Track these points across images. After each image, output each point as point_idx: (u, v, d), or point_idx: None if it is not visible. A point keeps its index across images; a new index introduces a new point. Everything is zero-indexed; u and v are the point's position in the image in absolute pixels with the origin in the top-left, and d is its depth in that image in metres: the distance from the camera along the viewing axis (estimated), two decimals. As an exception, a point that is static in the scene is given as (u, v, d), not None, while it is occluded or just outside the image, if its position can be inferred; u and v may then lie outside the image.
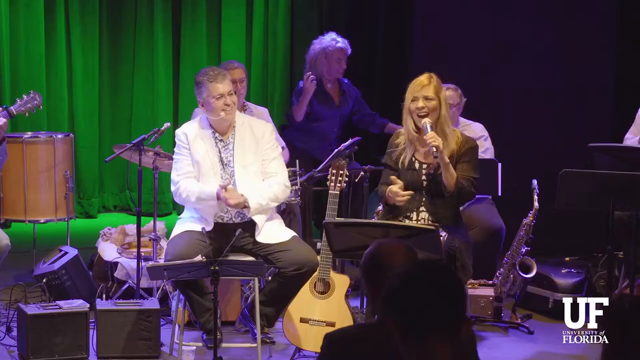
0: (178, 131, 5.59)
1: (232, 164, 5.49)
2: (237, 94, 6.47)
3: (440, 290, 2.43)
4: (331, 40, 7.34)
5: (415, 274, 2.47)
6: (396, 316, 2.42)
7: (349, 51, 7.38)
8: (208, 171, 5.46)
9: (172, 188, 5.54)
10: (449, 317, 2.42)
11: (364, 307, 5.71)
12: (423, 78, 5.33)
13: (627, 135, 6.10)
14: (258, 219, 5.41)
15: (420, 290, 2.42)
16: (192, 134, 5.51)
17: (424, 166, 5.34)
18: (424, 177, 5.33)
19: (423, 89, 5.29)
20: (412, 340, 2.42)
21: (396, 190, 5.24)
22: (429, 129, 5.21)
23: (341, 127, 7.40)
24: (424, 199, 5.32)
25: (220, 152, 5.50)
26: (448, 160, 5.20)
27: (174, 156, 5.59)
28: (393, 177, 5.33)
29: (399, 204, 5.25)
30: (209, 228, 5.39)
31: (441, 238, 5.01)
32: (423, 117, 5.26)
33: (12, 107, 5.87)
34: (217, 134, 5.52)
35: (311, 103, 7.21)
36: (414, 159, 5.36)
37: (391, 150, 5.43)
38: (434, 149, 5.15)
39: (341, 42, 7.34)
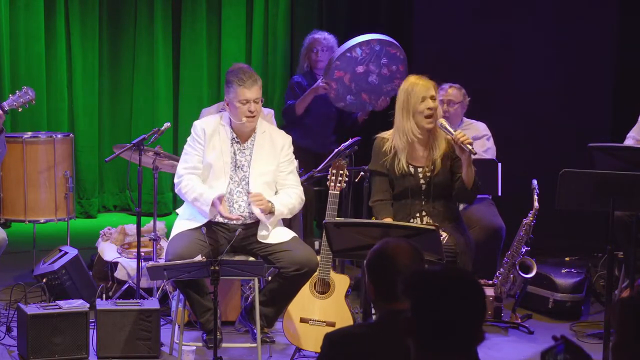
0: (197, 123, 5.52)
1: (245, 168, 5.46)
2: None
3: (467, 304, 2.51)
4: (309, 36, 7.35)
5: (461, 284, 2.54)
6: (425, 309, 2.49)
7: (329, 41, 7.26)
8: (218, 170, 5.42)
9: (175, 180, 5.52)
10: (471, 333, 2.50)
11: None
12: (424, 79, 5.29)
13: (630, 135, 6.07)
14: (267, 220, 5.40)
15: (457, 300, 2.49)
16: (210, 129, 5.45)
17: (420, 170, 5.31)
18: (422, 181, 5.31)
19: (429, 89, 5.27)
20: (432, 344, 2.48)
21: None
22: (451, 129, 5.20)
23: (338, 121, 7.36)
24: (423, 203, 5.31)
25: (235, 154, 5.46)
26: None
27: (185, 147, 5.53)
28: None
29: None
30: (206, 220, 5.38)
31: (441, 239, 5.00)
32: (429, 117, 5.24)
33: (4, 103, 5.84)
34: (235, 135, 5.49)
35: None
36: (408, 164, 5.34)
37: (381, 158, 5.37)
38: (469, 147, 5.12)
39: (318, 34, 7.30)
